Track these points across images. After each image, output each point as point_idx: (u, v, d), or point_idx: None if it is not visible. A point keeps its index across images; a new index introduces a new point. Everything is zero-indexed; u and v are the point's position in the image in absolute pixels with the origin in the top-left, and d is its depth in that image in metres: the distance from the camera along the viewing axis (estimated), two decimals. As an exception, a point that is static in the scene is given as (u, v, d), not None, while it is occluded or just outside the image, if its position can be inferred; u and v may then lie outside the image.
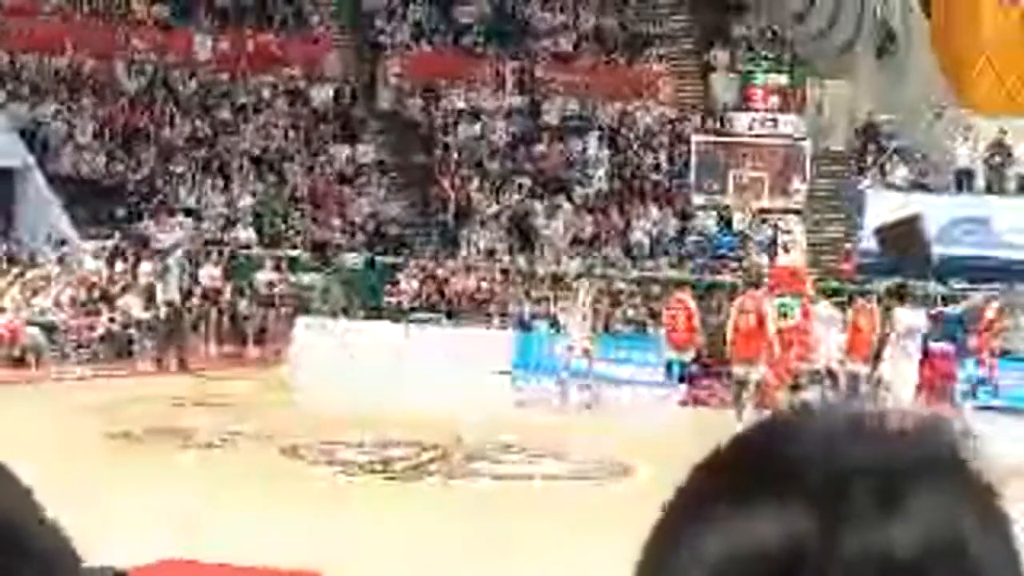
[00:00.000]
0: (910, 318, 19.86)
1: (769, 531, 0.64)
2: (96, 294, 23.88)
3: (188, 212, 29.00)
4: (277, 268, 26.68)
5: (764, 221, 30.31)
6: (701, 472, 0.70)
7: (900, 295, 21.56)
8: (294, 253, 28.11)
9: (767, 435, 0.69)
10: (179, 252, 23.67)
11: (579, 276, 23.94)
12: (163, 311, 21.58)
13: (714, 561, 0.65)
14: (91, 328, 22.82)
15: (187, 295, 23.60)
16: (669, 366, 22.21)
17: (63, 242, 26.29)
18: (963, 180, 30.33)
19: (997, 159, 30.11)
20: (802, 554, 0.63)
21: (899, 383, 18.89)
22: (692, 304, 22.56)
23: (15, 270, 24.00)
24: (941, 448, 0.68)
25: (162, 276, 21.85)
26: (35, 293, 23.26)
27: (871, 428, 0.68)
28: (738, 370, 19.34)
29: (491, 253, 29.78)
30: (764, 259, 27.94)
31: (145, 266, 25.68)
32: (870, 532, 0.63)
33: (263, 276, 25.95)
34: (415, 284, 27.63)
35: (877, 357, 19.80)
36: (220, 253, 26.73)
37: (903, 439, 0.68)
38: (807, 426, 0.68)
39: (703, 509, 0.67)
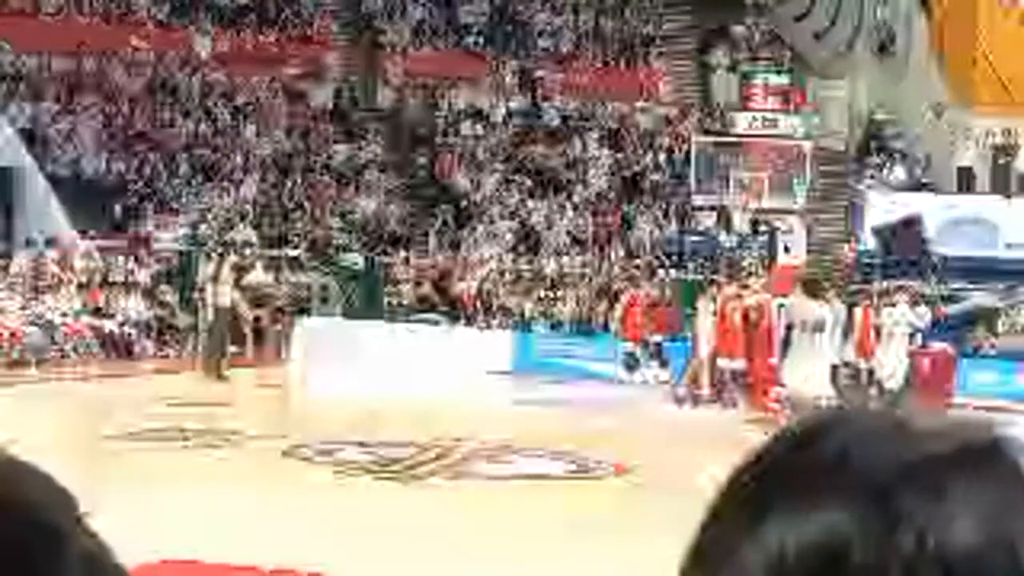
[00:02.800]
0: (815, 313, 19.88)
1: (825, 529, 0.64)
2: (96, 294, 23.89)
3: (188, 212, 28.99)
4: (277, 268, 26.65)
5: (764, 221, 30.33)
6: (749, 473, 0.70)
7: (813, 292, 21.64)
8: (294, 253, 28.11)
9: (814, 434, 0.69)
10: (232, 256, 23.52)
11: (713, 283, 23.32)
12: (212, 315, 21.18)
13: (770, 560, 0.65)
14: (91, 328, 22.82)
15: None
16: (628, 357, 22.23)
17: (62, 242, 26.27)
18: (964, 180, 30.33)
19: (998, 159, 30.11)
20: (857, 551, 0.64)
21: (799, 376, 18.86)
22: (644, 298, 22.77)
23: (15, 270, 24.00)
24: (988, 447, 0.68)
25: (212, 281, 21.69)
26: (36, 293, 23.26)
27: (916, 426, 0.69)
28: (720, 363, 19.79)
29: (491, 253, 29.78)
30: (763, 259, 27.98)
31: (145, 266, 25.68)
32: (925, 528, 0.64)
33: (262, 276, 25.93)
34: (415, 284, 27.64)
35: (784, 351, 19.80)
36: (220, 254, 26.70)
37: (949, 437, 0.68)
38: (854, 424, 0.69)
39: (754, 511, 0.67)
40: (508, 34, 34.75)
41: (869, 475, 0.65)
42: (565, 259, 29.40)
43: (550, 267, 28.83)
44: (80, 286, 24.06)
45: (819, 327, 19.16)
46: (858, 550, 0.64)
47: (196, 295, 22.33)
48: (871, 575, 0.63)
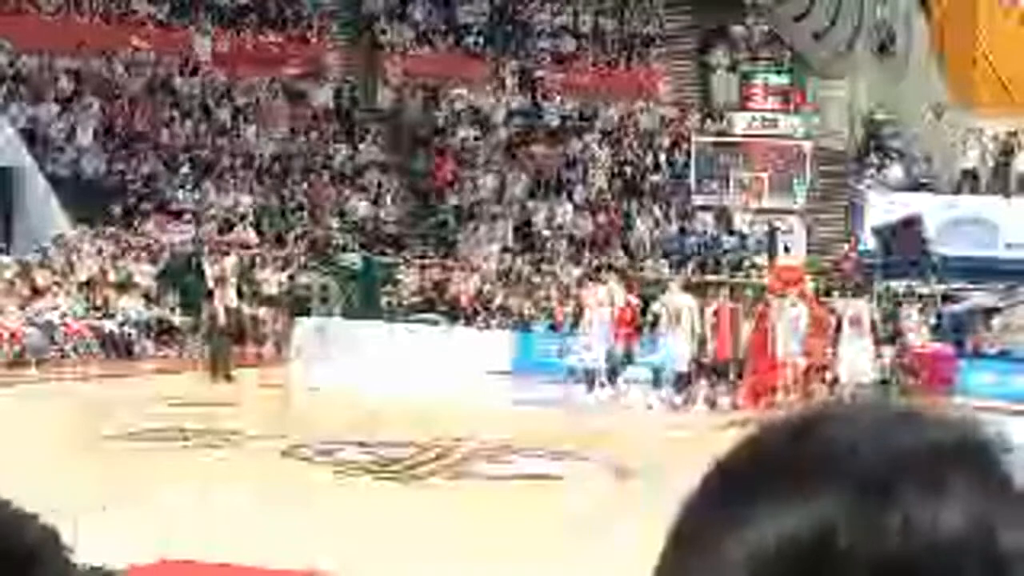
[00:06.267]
0: (853, 309, 20.17)
1: (803, 521, 0.64)
2: (96, 294, 23.89)
3: (188, 213, 28.99)
4: (276, 268, 26.59)
5: (764, 221, 30.33)
6: (727, 467, 0.70)
7: (828, 289, 22.08)
8: (294, 253, 28.10)
9: (808, 425, 0.69)
10: (234, 257, 23.46)
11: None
12: (223, 317, 21.04)
13: (748, 555, 0.65)
14: (91, 328, 22.81)
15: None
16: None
17: (63, 242, 26.27)
18: (964, 180, 30.33)
19: (998, 159, 30.12)
20: (835, 544, 0.64)
21: (847, 367, 19.36)
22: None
23: (15, 270, 23.98)
24: (981, 443, 0.68)
25: (220, 282, 21.65)
26: (36, 293, 23.25)
27: (901, 420, 0.69)
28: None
29: (491, 253, 29.77)
30: (764, 259, 27.99)
31: (145, 267, 25.66)
32: (914, 522, 0.64)
33: (262, 276, 25.87)
34: (415, 284, 27.62)
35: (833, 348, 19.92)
36: (224, 253, 26.65)
37: (945, 433, 0.68)
38: (837, 418, 0.69)
39: (733, 504, 0.67)
40: (508, 34, 34.75)
41: (860, 468, 0.65)
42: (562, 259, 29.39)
43: (549, 267, 28.81)
44: (80, 286, 24.05)
45: (855, 321, 19.66)
46: (843, 542, 0.63)
47: (204, 299, 22.21)
48: (856, 566, 0.63)
